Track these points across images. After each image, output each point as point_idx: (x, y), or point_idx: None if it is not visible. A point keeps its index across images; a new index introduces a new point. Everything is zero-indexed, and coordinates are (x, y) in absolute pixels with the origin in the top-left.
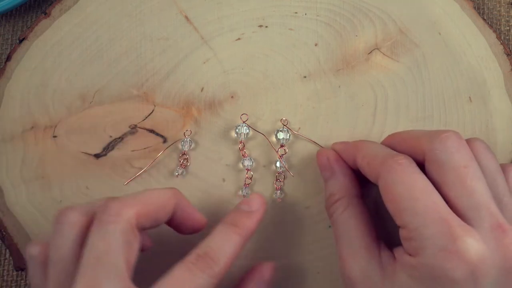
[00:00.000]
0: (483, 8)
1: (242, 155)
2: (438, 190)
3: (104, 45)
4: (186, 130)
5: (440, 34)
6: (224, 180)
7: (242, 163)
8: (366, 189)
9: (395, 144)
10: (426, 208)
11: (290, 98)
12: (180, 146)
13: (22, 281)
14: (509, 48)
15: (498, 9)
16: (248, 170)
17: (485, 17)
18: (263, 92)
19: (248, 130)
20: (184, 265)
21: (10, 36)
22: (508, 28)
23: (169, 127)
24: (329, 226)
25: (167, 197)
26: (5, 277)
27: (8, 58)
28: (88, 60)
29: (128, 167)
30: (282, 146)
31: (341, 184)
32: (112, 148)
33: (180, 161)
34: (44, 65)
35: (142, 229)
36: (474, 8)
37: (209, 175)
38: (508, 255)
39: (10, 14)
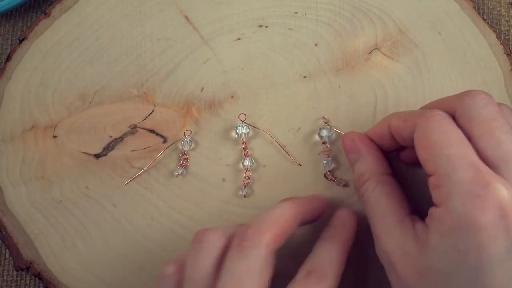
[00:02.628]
0: (483, 8)
1: (244, 154)
2: None
3: (104, 45)
4: (186, 130)
5: (440, 34)
6: (224, 180)
7: (243, 163)
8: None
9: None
10: (458, 154)
11: (290, 98)
12: (180, 146)
13: (22, 281)
14: (509, 48)
15: (498, 9)
16: (247, 170)
17: (485, 17)
18: (263, 92)
19: (248, 130)
20: (297, 283)
21: (10, 36)
22: (508, 28)
23: (169, 127)
24: None
25: (293, 213)
26: (5, 277)
27: (8, 58)
28: (88, 60)
29: (128, 167)
30: (324, 143)
31: (369, 163)
32: (112, 148)
33: (180, 161)
34: (44, 65)
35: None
36: (474, 8)
37: (209, 175)
38: None
39: (10, 14)
